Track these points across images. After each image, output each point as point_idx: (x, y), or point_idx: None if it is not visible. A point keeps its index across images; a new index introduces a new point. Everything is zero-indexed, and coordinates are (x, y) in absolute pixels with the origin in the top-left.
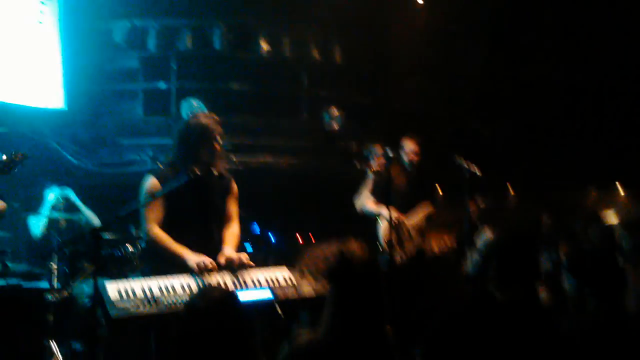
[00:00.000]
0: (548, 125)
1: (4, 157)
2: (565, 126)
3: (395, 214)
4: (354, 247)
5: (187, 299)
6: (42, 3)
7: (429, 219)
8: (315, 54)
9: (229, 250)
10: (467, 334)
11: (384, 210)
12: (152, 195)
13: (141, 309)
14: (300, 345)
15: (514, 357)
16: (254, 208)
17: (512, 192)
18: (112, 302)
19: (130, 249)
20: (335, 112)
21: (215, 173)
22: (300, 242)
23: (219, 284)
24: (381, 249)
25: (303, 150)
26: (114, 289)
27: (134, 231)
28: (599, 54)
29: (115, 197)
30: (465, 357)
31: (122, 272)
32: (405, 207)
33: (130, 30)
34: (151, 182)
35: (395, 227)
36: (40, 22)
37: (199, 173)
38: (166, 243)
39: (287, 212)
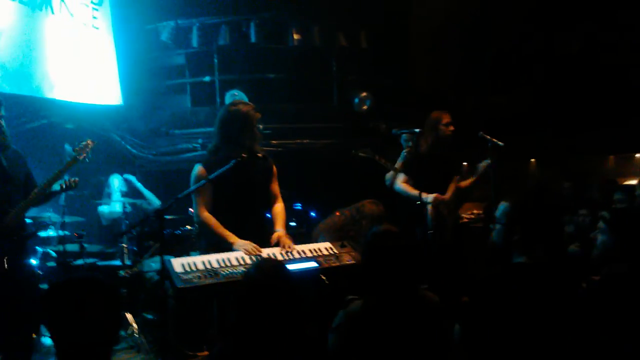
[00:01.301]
0: (566, 96)
1: (74, 148)
2: (582, 98)
3: (432, 195)
4: (371, 207)
5: (243, 269)
6: (95, 9)
7: (458, 192)
8: (342, 41)
9: (281, 231)
10: (500, 298)
11: (423, 194)
12: (200, 182)
13: (203, 280)
14: (353, 311)
15: (546, 316)
16: (294, 186)
17: (533, 162)
18: (177, 275)
19: (189, 228)
20: (363, 95)
21: (259, 155)
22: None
23: (269, 256)
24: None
25: (335, 131)
26: (178, 263)
27: (191, 212)
28: (621, 27)
29: (172, 182)
30: (501, 320)
31: (183, 249)
32: (438, 183)
33: (175, 29)
34: (199, 170)
35: (435, 207)
36: (96, 27)
37: (245, 156)
38: (214, 227)
39: (325, 189)
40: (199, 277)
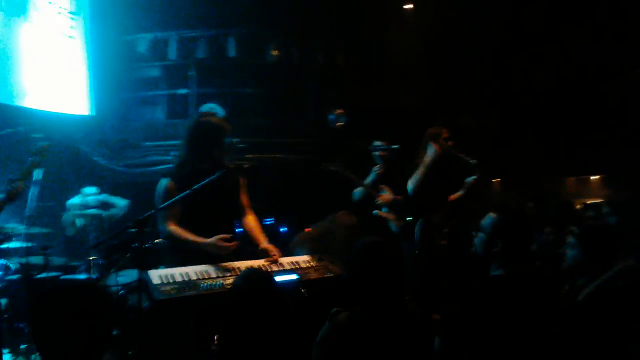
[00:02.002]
0: (530, 119)
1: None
2: (546, 120)
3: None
4: (344, 218)
5: (221, 282)
6: (72, 19)
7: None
8: (321, 58)
9: (264, 241)
10: (480, 311)
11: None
12: (184, 192)
13: (182, 292)
14: (340, 323)
15: (525, 327)
16: (267, 201)
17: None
18: (156, 287)
19: (157, 241)
20: (339, 112)
21: (232, 167)
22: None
23: (251, 267)
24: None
25: (310, 147)
26: (156, 275)
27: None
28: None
29: (142, 195)
30: (481, 333)
31: (152, 262)
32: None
33: (153, 42)
34: (168, 184)
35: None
36: (72, 37)
37: (232, 167)
38: (182, 235)
39: (297, 205)
40: (178, 290)
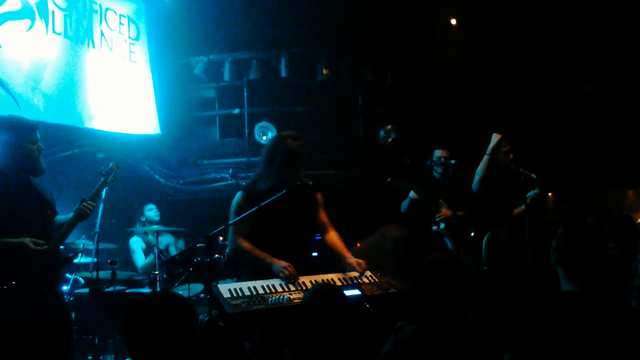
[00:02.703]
0: (580, 130)
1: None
2: (599, 132)
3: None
4: (394, 230)
5: (288, 296)
6: (132, 44)
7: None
8: (369, 75)
9: (348, 255)
10: (551, 327)
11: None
12: (241, 211)
13: (251, 305)
14: (406, 337)
15: (599, 345)
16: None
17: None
18: (227, 301)
19: (217, 256)
20: (388, 127)
21: (310, 183)
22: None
23: (313, 283)
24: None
25: (360, 163)
26: (225, 289)
27: (220, 240)
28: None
29: (198, 210)
30: (552, 347)
31: (212, 277)
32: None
33: (208, 63)
34: (239, 198)
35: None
36: (134, 61)
37: (299, 184)
38: (251, 251)
39: (347, 220)
40: (247, 303)
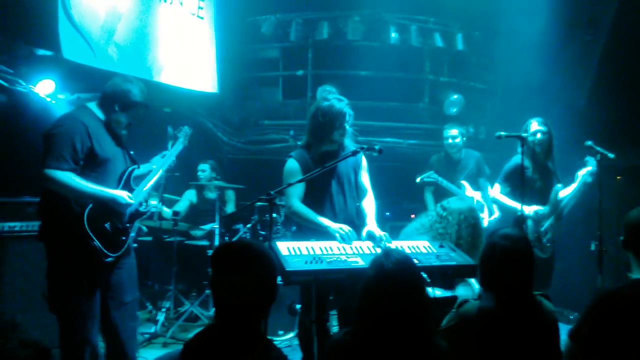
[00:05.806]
0: None
1: (177, 134)
2: None
3: (533, 209)
4: (456, 202)
5: (344, 257)
6: (201, 0)
7: (556, 205)
8: (438, 42)
9: (372, 224)
10: (619, 315)
11: (525, 208)
12: (295, 176)
13: (309, 264)
14: (468, 312)
15: None
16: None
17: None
18: (285, 258)
19: (275, 215)
20: (454, 97)
21: (365, 149)
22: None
23: (361, 248)
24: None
25: (423, 132)
26: (284, 247)
27: (277, 200)
28: None
29: (257, 169)
30: (616, 334)
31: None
32: (536, 195)
33: (275, 23)
34: (292, 164)
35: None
36: (201, 17)
37: (365, 149)
38: (307, 214)
39: (403, 191)
40: (305, 262)
